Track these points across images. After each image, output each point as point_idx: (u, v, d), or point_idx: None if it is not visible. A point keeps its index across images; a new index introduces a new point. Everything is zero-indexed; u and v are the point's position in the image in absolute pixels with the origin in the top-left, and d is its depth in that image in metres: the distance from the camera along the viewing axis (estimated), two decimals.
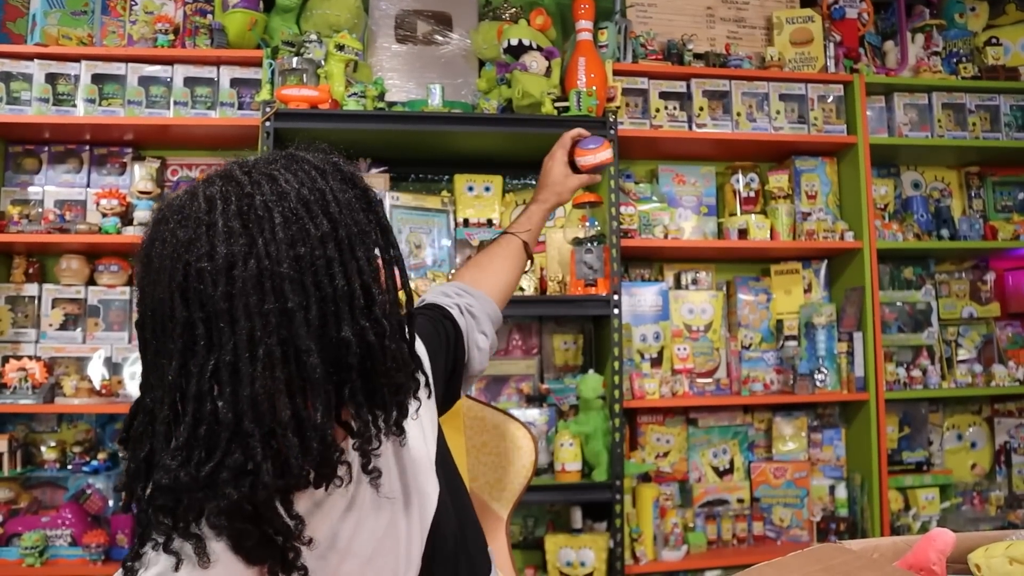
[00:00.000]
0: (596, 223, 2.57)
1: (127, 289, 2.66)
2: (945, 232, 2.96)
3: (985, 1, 3.24)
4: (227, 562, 0.76)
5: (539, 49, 2.56)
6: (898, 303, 2.99)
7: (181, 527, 0.74)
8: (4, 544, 2.42)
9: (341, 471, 0.80)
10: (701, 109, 2.81)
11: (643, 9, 2.95)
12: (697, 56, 2.88)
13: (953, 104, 2.99)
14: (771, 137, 2.83)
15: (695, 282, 2.96)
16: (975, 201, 3.18)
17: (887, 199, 3.07)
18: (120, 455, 2.55)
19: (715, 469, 2.90)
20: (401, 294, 0.89)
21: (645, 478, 2.78)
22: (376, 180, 2.62)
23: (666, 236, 2.78)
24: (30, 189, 2.68)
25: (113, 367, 2.61)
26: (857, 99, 2.84)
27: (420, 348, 1.13)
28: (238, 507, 0.74)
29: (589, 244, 2.49)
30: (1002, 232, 2.96)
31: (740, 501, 2.86)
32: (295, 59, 2.47)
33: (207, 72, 2.62)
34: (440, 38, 2.81)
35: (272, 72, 2.50)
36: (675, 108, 2.82)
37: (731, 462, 2.91)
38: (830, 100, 2.90)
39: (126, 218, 2.58)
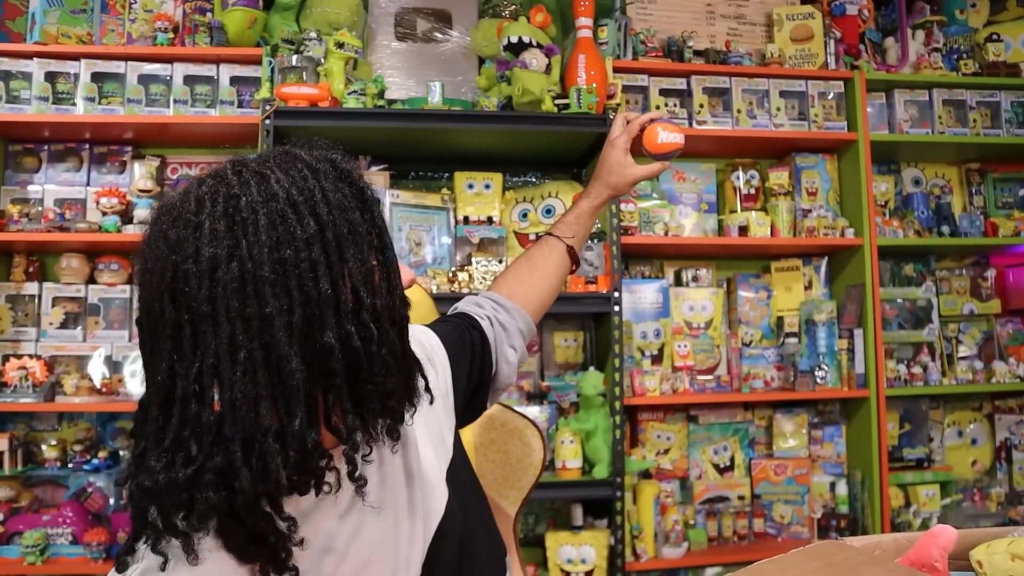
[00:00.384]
0: (596, 220, 2.57)
1: (127, 287, 2.66)
2: (946, 229, 2.96)
3: None
4: (217, 560, 0.75)
5: (539, 46, 2.55)
6: (899, 300, 2.99)
7: (169, 525, 0.73)
8: (5, 543, 2.42)
9: (330, 477, 0.79)
10: (701, 106, 2.81)
11: (643, 6, 2.94)
12: (697, 53, 2.88)
13: (954, 100, 2.98)
14: (771, 134, 2.83)
15: (695, 279, 2.96)
16: (976, 198, 3.18)
17: (888, 196, 3.07)
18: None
19: (716, 466, 2.90)
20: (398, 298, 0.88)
21: (646, 475, 2.78)
22: (376, 178, 2.62)
23: (666, 233, 2.78)
24: (30, 188, 2.68)
25: (113, 365, 2.61)
26: (858, 96, 2.84)
27: (441, 353, 1.13)
28: (223, 509, 0.73)
29: (589, 241, 2.49)
30: (1003, 229, 2.95)
31: (741, 498, 2.86)
32: (295, 57, 2.47)
33: (207, 70, 2.62)
34: (440, 35, 2.80)
35: (272, 70, 2.49)
36: (675, 105, 2.82)
37: (732, 459, 2.91)
38: (830, 97, 2.90)
39: (126, 216, 2.58)
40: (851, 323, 2.81)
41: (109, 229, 2.51)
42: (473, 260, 2.55)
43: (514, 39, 2.53)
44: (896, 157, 3.16)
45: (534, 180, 2.93)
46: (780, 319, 2.94)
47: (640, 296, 2.82)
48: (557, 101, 2.52)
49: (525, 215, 2.80)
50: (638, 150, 1.40)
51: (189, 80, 2.61)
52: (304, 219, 0.77)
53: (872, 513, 2.73)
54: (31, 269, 2.66)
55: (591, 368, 2.60)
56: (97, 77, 2.58)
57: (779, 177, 2.92)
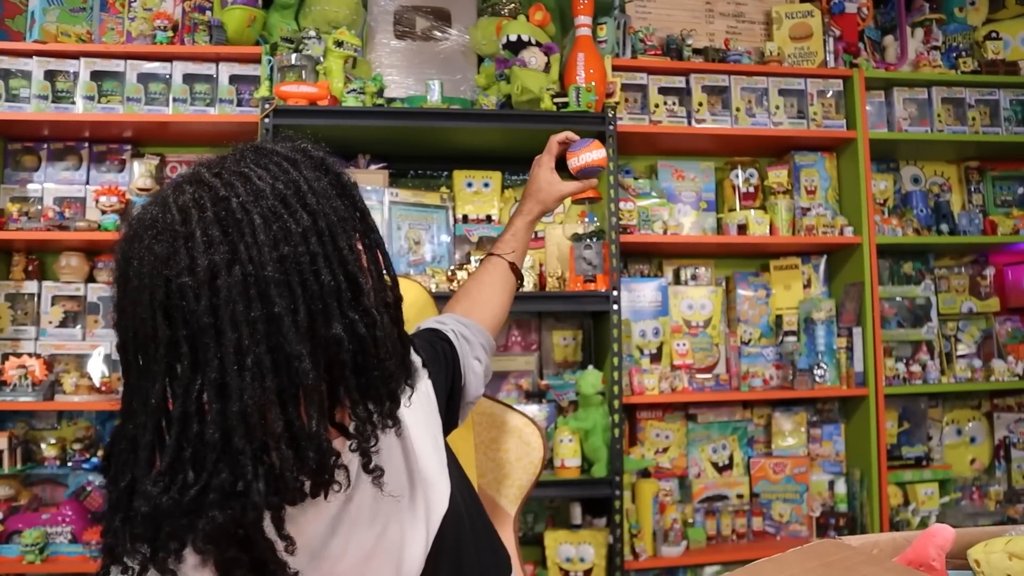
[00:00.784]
0: (595, 219, 2.57)
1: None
2: (944, 227, 2.97)
3: None
4: None
5: (538, 45, 2.55)
6: (897, 298, 2.99)
7: (160, 557, 0.71)
8: (4, 541, 2.42)
9: (340, 476, 0.77)
10: (700, 104, 2.81)
11: (642, 4, 2.95)
12: (696, 51, 2.88)
13: (953, 99, 2.98)
14: (770, 132, 2.83)
15: (694, 278, 2.96)
16: (975, 196, 3.18)
17: (886, 194, 3.07)
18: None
19: (714, 465, 2.90)
20: (388, 278, 0.88)
21: (644, 474, 2.78)
22: (375, 176, 2.62)
23: (665, 232, 2.78)
24: (29, 186, 2.68)
25: (113, 364, 2.61)
26: (856, 94, 2.84)
27: (415, 359, 1.14)
28: (226, 531, 0.71)
29: (588, 240, 2.49)
30: (1002, 227, 2.95)
31: (739, 497, 2.86)
32: (294, 55, 2.47)
33: (206, 69, 2.62)
34: (439, 34, 2.80)
35: (271, 68, 2.49)
36: (674, 103, 2.82)
37: (730, 458, 2.92)
38: (829, 95, 2.90)
39: (125, 215, 2.58)
40: (850, 321, 2.81)
41: (108, 228, 2.51)
42: (472, 258, 2.55)
43: (513, 37, 2.53)
44: (895, 155, 3.16)
45: None
46: (779, 317, 2.95)
47: (639, 295, 2.82)
48: (556, 99, 2.52)
49: None
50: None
51: (188, 79, 2.61)
52: (296, 212, 0.76)
53: (871, 512, 2.73)
54: (30, 268, 2.66)
55: (590, 367, 2.60)
56: (96, 76, 2.58)
57: (778, 175, 2.92)
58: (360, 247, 0.82)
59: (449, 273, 2.51)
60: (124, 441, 0.75)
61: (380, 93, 2.51)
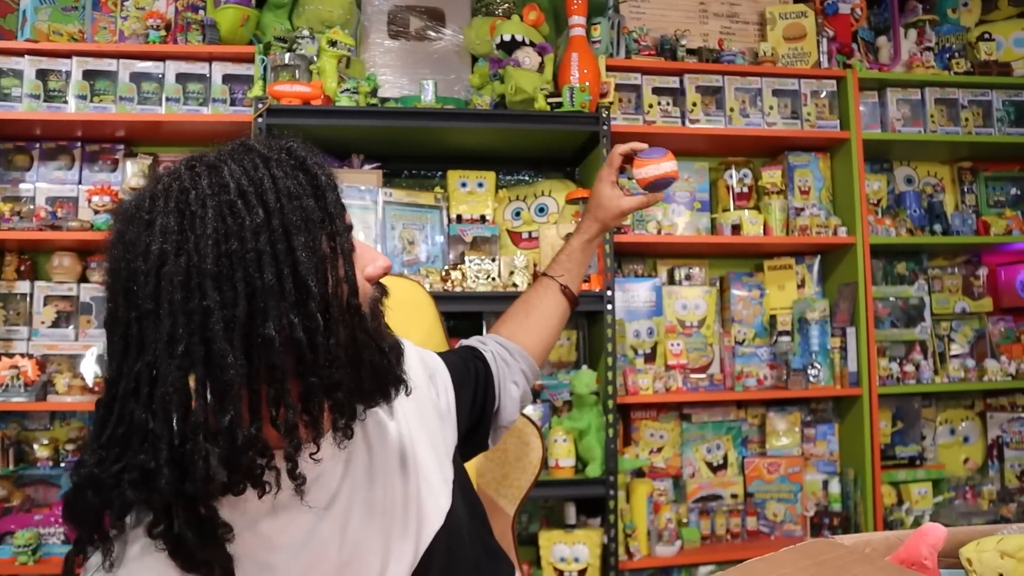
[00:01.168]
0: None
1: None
2: (938, 227, 2.97)
3: None
4: (149, 565, 0.74)
5: (532, 45, 2.55)
6: (891, 298, 3.00)
7: (86, 531, 0.75)
8: None
9: (269, 477, 0.76)
10: (694, 104, 2.81)
11: (636, 5, 2.95)
12: (690, 51, 2.88)
13: (946, 99, 2.99)
14: (764, 132, 2.83)
15: (688, 278, 2.96)
16: (968, 196, 3.19)
17: (880, 194, 3.08)
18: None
19: (709, 464, 2.90)
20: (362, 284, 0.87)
21: (639, 473, 2.78)
22: (369, 176, 2.62)
23: (659, 232, 2.78)
24: (21, 186, 2.66)
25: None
26: (850, 94, 2.85)
27: (444, 374, 1.16)
28: (157, 513, 0.72)
29: None
30: (994, 227, 2.96)
31: (734, 496, 2.86)
32: (287, 55, 2.47)
33: (199, 68, 2.61)
34: (433, 34, 2.80)
35: (264, 68, 2.49)
36: (668, 103, 2.82)
37: (725, 457, 2.92)
38: (823, 95, 2.90)
39: None
40: (844, 321, 2.82)
41: (101, 227, 2.50)
42: (466, 259, 2.55)
43: (507, 37, 2.53)
44: (888, 156, 3.16)
45: (527, 179, 2.93)
46: (773, 317, 2.95)
47: (633, 295, 2.82)
48: (550, 100, 2.52)
49: (518, 214, 2.80)
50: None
51: (181, 78, 2.60)
52: (253, 209, 0.76)
53: (865, 511, 2.74)
54: (22, 268, 2.64)
55: (584, 367, 2.60)
56: (89, 75, 2.57)
57: (772, 176, 2.93)
58: (327, 250, 0.80)
59: (443, 273, 2.51)
60: (95, 410, 0.78)
61: (374, 93, 2.51)
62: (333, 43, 2.46)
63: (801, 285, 2.98)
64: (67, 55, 2.56)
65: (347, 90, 2.45)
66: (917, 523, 2.79)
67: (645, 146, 1.37)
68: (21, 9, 2.61)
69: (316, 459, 0.81)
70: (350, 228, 0.85)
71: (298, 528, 0.83)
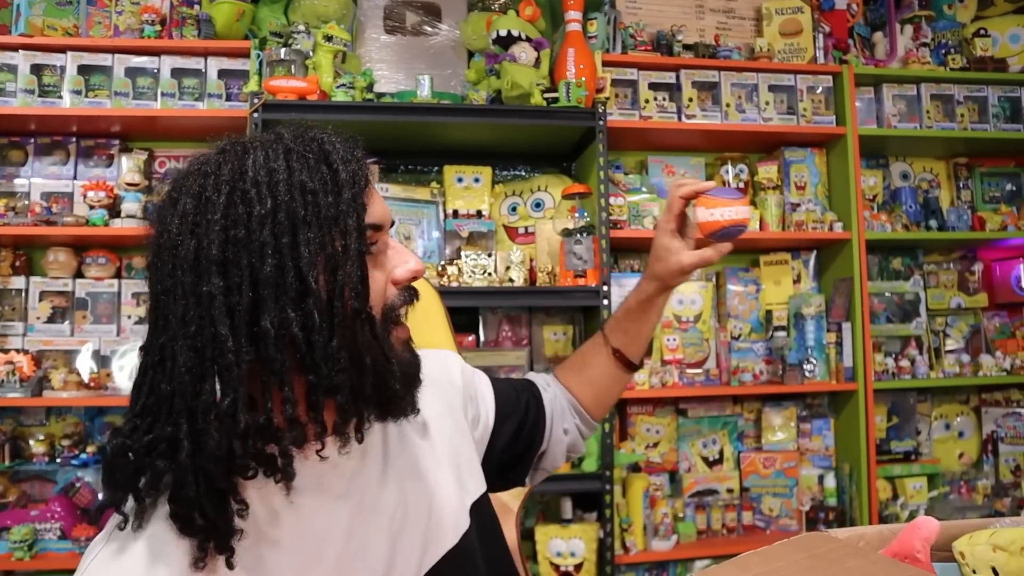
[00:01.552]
0: (585, 214, 2.57)
1: (115, 282, 2.65)
2: (933, 223, 2.98)
3: None
4: (160, 528, 0.76)
5: (528, 40, 2.55)
6: (887, 293, 3.01)
7: (117, 496, 0.76)
8: None
9: (277, 464, 0.77)
10: (690, 100, 2.81)
11: (632, 0, 2.95)
12: (686, 47, 2.88)
13: (941, 95, 3.00)
14: (760, 128, 2.83)
15: None
16: (963, 192, 3.20)
17: (876, 190, 3.08)
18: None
19: (705, 459, 2.91)
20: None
21: (635, 468, 2.78)
22: None
23: (655, 227, 2.77)
24: (16, 181, 2.66)
25: (101, 360, 2.60)
26: (846, 90, 2.85)
27: (489, 398, 1.14)
28: (183, 489, 0.74)
29: (578, 235, 2.49)
30: (990, 223, 2.97)
31: (730, 491, 2.87)
32: (283, 50, 2.46)
33: (194, 63, 2.60)
34: (429, 29, 2.80)
35: (260, 63, 2.49)
36: (664, 99, 2.82)
37: (721, 452, 2.92)
38: (819, 91, 2.90)
39: (113, 210, 2.57)
40: (839, 317, 2.82)
41: (96, 223, 2.49)
42: (463, 254, 2.55)
43: (503, 33, 2.53)
44: (884, 151, 3.17)
45: (524, 174, 2.93)
46: (769, 313, 2.95)
47: (629, 290, 2.81)
48: (546, 95, 2.51)
49: (514, 209, 2.80)
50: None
51: (177, 73, 2.59)
52: (263, 199, 0.76)
53: (860, 506, 2.75)
54: (18, 263, 2.64)
55: None
56: (84, 70, 2.57)
57: (768, 171, 2.93)
58: (337, 248, 0.78)
59: (439, 268, 2.51)
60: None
61: (370, 88, 2.51)
62: (329, 38, 2.45)
63: (797, 280, 2.99)
64: (62, 50, 2.55)
65: (343, 85, 2.45)
66: (912, 517, 2.79)
67: (712, 185, 1.12)
68: (15, 3, 2.60)
69: (323, 456, 0.81)
70: (374, 228, 0.83)
71: (309, 510, 0.83)
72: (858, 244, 2.79)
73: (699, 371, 2.82)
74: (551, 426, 1.18)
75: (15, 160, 2.69)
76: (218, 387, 0.74)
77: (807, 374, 2.77)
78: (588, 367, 1.22)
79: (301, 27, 2.52)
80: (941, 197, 3.17)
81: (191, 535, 0.74)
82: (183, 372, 0.74)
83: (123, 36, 2.60)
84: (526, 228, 2.77)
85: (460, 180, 2.71)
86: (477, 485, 1.03)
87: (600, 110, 2.54)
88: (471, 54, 2.78)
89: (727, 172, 2.95)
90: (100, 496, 0.77)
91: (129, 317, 2.65)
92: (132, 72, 2.58)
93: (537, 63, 2.56)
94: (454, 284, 2.47)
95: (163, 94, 2.57)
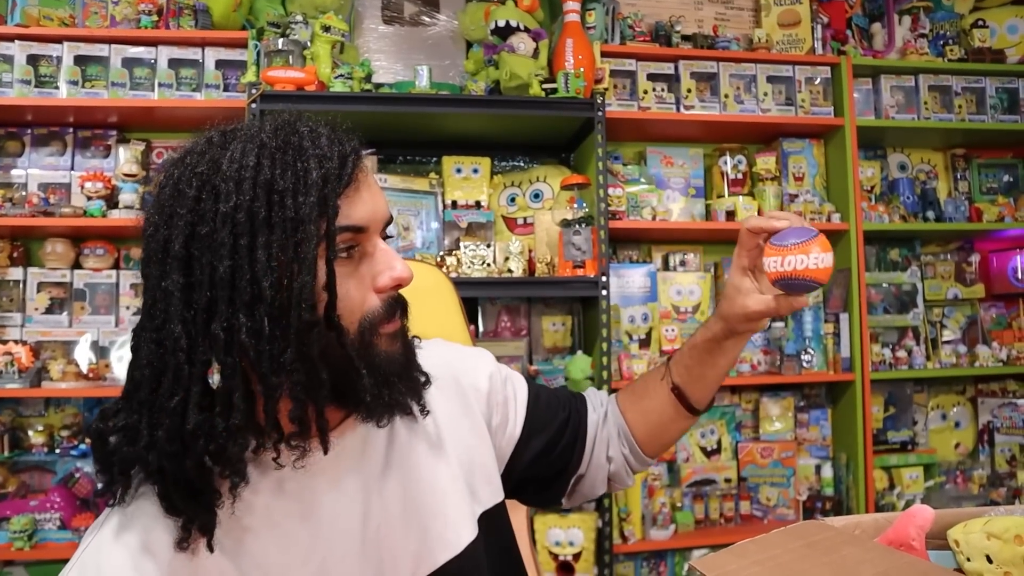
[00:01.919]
0: (584, 205, 2.58)
1: (113, 272, 2.65)
2: (931, 214, 2.99)
3: None
4: (145, 504, 0.76)
5: (526, 30, 2.55)
6: (884, 284, 3.01)
7: (107, 472, 0.77)
8: None
9: (229, 459, 0.75)
10: (689, 91, 2.81)
11: None
12: (685, 38, 2.88)
13: (939, 86, 3.00)
14: (759, 119, 2.83)
15: (683, 263, 2.97)
16: (961, 183, 3.20)
17: (873, 181, 3.09)
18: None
19: (703, 449, 2.92)
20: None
21: None
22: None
23: (654, 218, 2.78)
24: (13, 172, 2.65)
25: (100, 351, 2.60)
26: (844, 81, 2.85)
27: (521, 405, 1.07)
28: (145, 468, 0.75)
29: (577, 226, 2.50)
30: (987, 214, 2.97)
31: (727, 481, 2.88)
32: (281, 40, 2.46)
33: (192, 53, 2.60)
34: (427, 19, 2.79)
35: (258, 53, 2.48)
36: (663, 90, 2.82)
37: (719, 442, 2.93)
38: (817, 82, 2.90)
39: (111, 201, 2.56)
40: (837, 307, 2.83)
41: (94, 214, 2.49)
42: (461, 245, 2.55)
43: (501, 23, 2.52)
44: (882, 142, 3.17)
45: (522, 164, 2.93)
46: None
47: (628, 280, 2.83)
48: (545, 85, 2.51)
49: (513, 199, 2.80)
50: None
51: (174, 63, 2.58)
52: (228, 196, 0.73)
53: (857, 495, 2.76)
54: (15, 254, 2.64)
55: (579, 352, 2.60)
56: (80, 60, 2.56)
57: (766, 162, 2.93)
58: (300, 254, 0.74)
59: (438, 259, 2.51)
60: None
61: (368, 78, 2.50)
62: (327, 28, 2.45)
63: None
64: (58, 40, 2.54)
65: (341, 76, 2.44)
66: (908, 507, 2.81)
67: (785, 223, 0.94)
68: None
69: (280, 463, 0.79)
70: (354, 230, 0.79)
71: (297, 507, 0.82)
72: (856, 235, 2.80)
73: None
74: (592, 450, 1.09)
75: (12, 151, 2.68)
76: (178, 379, 0.74)
77: (805, 364, 2.78)
78: (646, 397, 1.11)
79: (299, 17, 2.51)
80: (938, 188, 3.17)
81: (174, 515, 0.74)
82: (144, 365, 0.75)
83: (120, 26, 2.59)
84: (525, 219, 2.77)
85: (459, 171, 2.71)
86: (491, 494, 0.99)
87: (599, 101, 2.54)
88: (469, 44, 2.78)
89: (725, 163, 2.95)
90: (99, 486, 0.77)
91: (127, 308, 2.64)
92: (129, 62, 2.57)
93: (536, 53, 2.56)
94: (453, 275, 2.47)
95: (160, 84, 2.56)
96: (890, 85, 2.96)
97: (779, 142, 2.96)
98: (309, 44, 2.48)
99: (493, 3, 2.66)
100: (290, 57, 2.44)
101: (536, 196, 2.79)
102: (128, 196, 2.53)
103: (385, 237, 0.86)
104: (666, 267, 2.97)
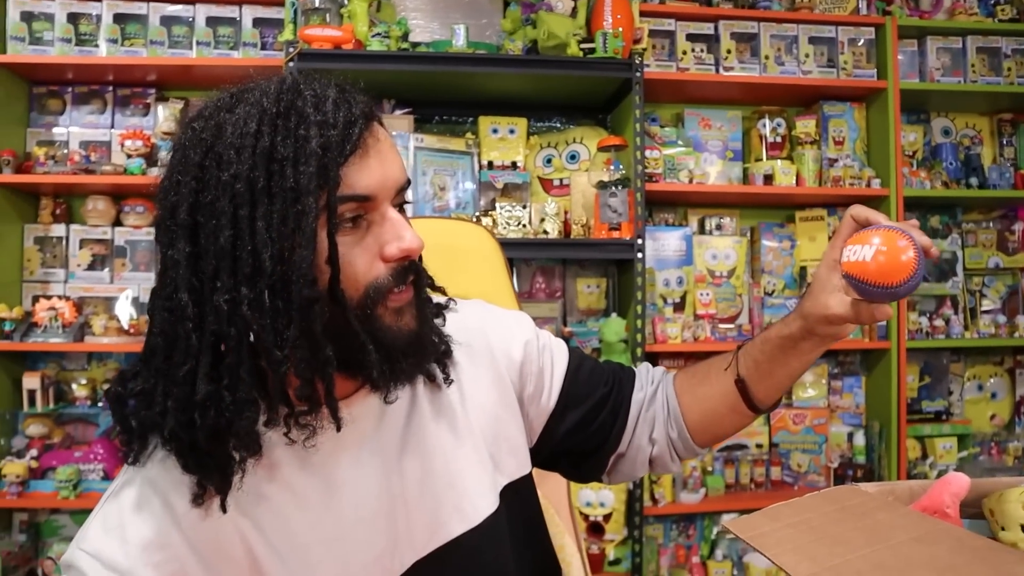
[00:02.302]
0: (620, 166, 2.56)
1: (153, 230, 2.68)
2: (974, 180, 2.92)
3: None
4: (164, 462, 0.78)
5: None
6: None
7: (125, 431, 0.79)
8: (40, 477, 2.49)
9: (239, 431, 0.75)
10: (729, 52, 2.76)
11: None
12: None
13: (988, 48, 2.91)
14: (799, 81, 2.78)
15: (719, 227, 2.94)
16: (1007, 149, 3.12)
17: (916, 146, 3.02)
18: None
19: None
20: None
21: None
22: (400, 121, 2.61)
23: (691, 181, 2.76)
24: (55, 130, 2.70)
25: (140, 307, 2.65)
26: (889, 43, 2.78)
27: (559, 376, 1.03)
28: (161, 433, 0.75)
29: (613, 188, 2.48)
30: None
31: (759, 446, 2.88)
32: None
33: (229, 12, 2.61)
34: None
35: (295, 11, 2.48)
36: (702, 51, 2.78)
37: None
38: (861, 43, 2.83)
39: (151, 159, 2.59)
40: None
41: (134, 172, 2.52)
42: (497, 205, 2.55)
43: None
44: (926, 106, 3.10)
45: (559, 125, 2.91)
46: (803, 269, 2.93)
47: (663, 244, 2.81)
48: (583, 45, 2.48)
49: (549, 160, 2.78)
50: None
51: (212, 21, 2.60)
52: (230, 164, 0.72)
53: (889, 464, 2.74)
54: (58, 211, 2.69)
55: (613, 315, 2.61)
56: (119, 19, 2.58)
57: (806, 126, 2.88)
58: (298, 227, 0.72)
59: (474, 219, 2.51)
60: None
61: (405, 37, 2.49)
62: None
63: (833, 237, 2.94)
64: None
65: (378, 34, 2.43)
66: (941, 477, 2.80)
67: (882, 218, 0.84)
68: None
69: (292, 439, 0.79)
70: (359, 199, 0.76)
71: (314, 472, 0.82)
72: (896, 201, 2.75)
73: (731, 326, 2.81)
74: (633, 430, 1.03)
75: (53, 109, 2.72)
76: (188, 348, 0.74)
77: None
78: (706, 383, 1.02)
79: None
80: (983, 154, 3.10)
81: (190, 474, 0.75)
82: (157, 332, 0.75)
83: None
84: (561, 180, 2.76)
85: (495, 131, 2.70)
86: (517, 466, 0.97)
87: (637, 61, 2.51)
88: (507, 3, 2.74)
89: (764, 126, 2.91)
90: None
91: None
92: (167, 21, 2.59)
93: (574, 13, 2.53)
94: None
95: (198, 43, 2.58)
96: (936, 47, 2.89)
97: (819, 105, 2.90)
98: (346, 2, 2.47)
99: None
100: (327, 15, 2.44)
101: (572, 157, 2.77)
102: (167, 154, 2.56)
103: (403, 203, 0.84)
104: (702, 231, 2.95)
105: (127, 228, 2.68)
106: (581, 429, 1.02)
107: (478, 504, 0.90)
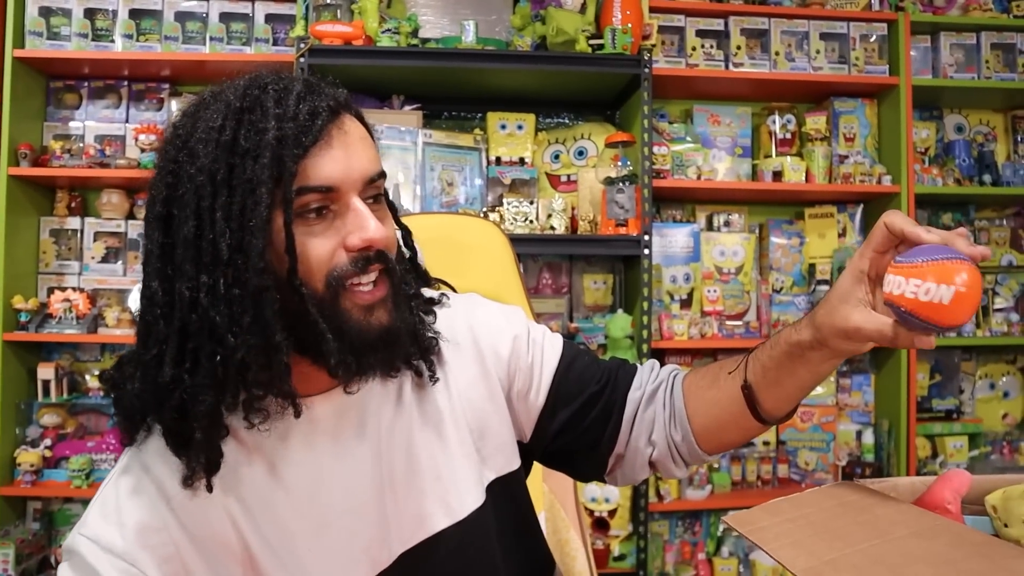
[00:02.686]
0: (628, 162, 2.56)
1: None
2: (987, 178, 2.90)
3: None
4: (156, 443, 0.80)
5: None
6: None
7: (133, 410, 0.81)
8: (53, 466, 2.53)
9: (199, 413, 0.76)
10: (739, 48, 2.76)
11: None
12: None
13: (1003, 44, 2.89)
14: (810, 77, 2.77)
15: (727, 224, 2.94)
16: (1021, 146, 3.10)
17: (928, 143, 3.01)
18: None
19: None
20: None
21: None
22: (409, 117, 2.62)
23: (699, 177, 2.76)
24: (71, 124, 2.73)
25: None
26: (901, 38, 2.76)
27: (548, 376, 1.00)
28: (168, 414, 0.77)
29: (621, 184, 2.48)
30: None
31: (766, 444, 2.88)
32: None
33: (242, 8, 2.62)
34: None
35: (306, 7, 2.49)
36: (712, 47, 2.77)
37: None
38: (873, 39, 2.82)
39: None
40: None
41: (148, 166, 2.55)
42: (504, 201, 2.56)
43: None
44: (939, 103, 3.08)
45: (567, 121, 2.91)
46: (812, 266, 2.92)
47: (671, 240, 2.81)
48: (592, 41, 2.49)
49: (557, 156, 2.79)
50: None
51: (224, 17, 2.62)
52: (196, 157, 0.75)
53: (898, 462, 2.74)
54: (73, 204, 2.72)
55: (620, 311, 2.61)
56: (135, 14, 2.60)
57: (816, 122, 2.87)
58: (258, 219, 0.74)
59: (481, 215, 2.52)
60: None
61: (415, 33, 2.50)
62: None
63: (842, 234, 2.94)
64: None
65: (388, 30, 2.44)
66: None
67: (935, 237, 0.73)
68: None
69: (262, 429, 0.81)
70: (319, 191, 0.77)
71: (294, 461, 0.84)
72: (907, 198, 2.74)
73: (739, 323, 2.81)
74: (630, 431, 0.99)
75: (70, 103, 2.75)
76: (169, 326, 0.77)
77: None
78: (714, 387, 0.97)
79: None
80: (997, 151, 3.08)
81: (178, 455, 0.78)
82: (138, 320, 0.79)
83: None
84: (568, 176, 2.76)
85: (503, 127, 2.71)
86: (505, 461, 0.97)
87: (646, 57, 2.51)
88: None
89: (774, 122, 2.90)
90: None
91: None
92: (181, 16, 2.61)
93: (583, 9, 2.53)
94: None
95: (211, 38, 2.60)
96: (950, 43, 2.87)
97: (830, 101, 2.89)
98: None
99: None
100: (338, 11, 2.45)
101: (580, 153, 2.78)
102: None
103: (377, 194, 0.84)
104: (710, 227, 2.94)
105: (141, 221, 2.69)
106: (572, 428, 0.99)
107: (464, 498, 0.91)
